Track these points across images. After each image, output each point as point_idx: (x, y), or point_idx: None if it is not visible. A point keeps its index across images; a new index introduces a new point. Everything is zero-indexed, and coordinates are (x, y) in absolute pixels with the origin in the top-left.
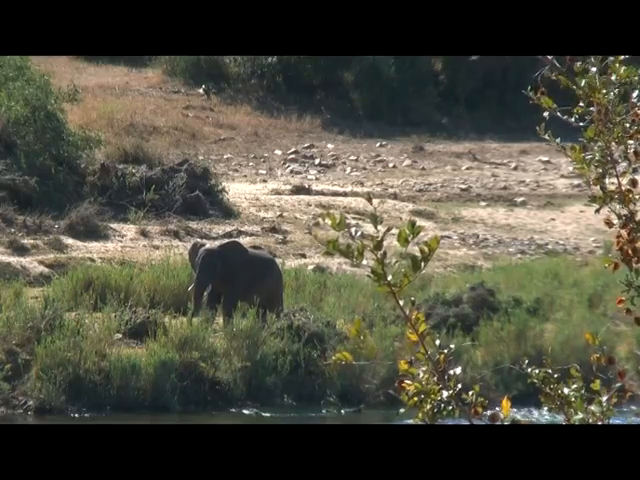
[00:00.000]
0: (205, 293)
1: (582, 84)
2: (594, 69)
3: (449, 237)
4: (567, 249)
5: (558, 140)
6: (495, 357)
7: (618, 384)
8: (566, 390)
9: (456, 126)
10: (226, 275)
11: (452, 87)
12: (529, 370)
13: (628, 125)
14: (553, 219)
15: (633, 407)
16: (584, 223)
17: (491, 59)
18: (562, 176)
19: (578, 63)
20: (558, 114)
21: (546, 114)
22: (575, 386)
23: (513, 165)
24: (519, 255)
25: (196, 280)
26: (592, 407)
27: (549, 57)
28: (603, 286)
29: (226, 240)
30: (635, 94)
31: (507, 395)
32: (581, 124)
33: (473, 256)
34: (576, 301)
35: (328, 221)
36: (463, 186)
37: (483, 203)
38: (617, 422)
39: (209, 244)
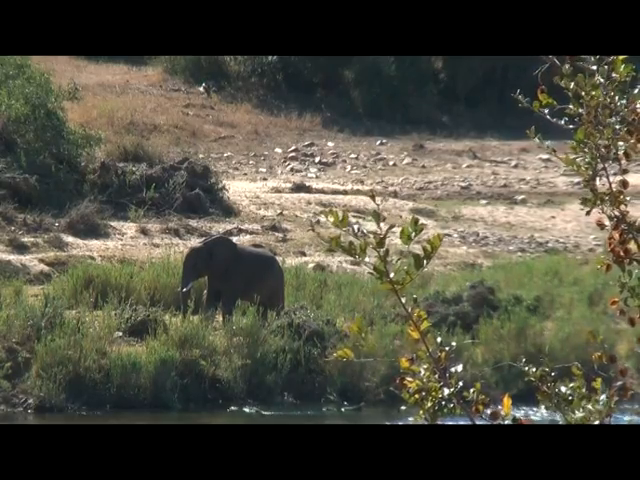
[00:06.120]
0: (184, 290)
1: (571, 86)
2: (594, 66)
3: (449, 235)
4: (567, 247)
5: (548, 143)
6: (495, 355)
7: (619, 382)
8: (563, 388)
9: (456, 124)
10: (217, 271)
11: (452, 85)
12: (526, 369)
13: (618, 127)
14: (553, 217)
15: (632, 405)
16: (584, 221)
17: (491, 58)
18: (562, 174)
19: (567, 65)
20: (548, 117)
21: (547, 116)
22: (572, 385)
23: (513, 163)
24: (519, 253)
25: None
26: (589, 406)
27: (550, 57)
28: (603, 284)
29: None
30: (636, 91)
31: (508, 393)
32: (571, 127)
33: (473, 254)
34: (576, 299)
35: (331, 218)
36: (463, 184)
37: (483, 201)
38: (617, 420)
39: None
